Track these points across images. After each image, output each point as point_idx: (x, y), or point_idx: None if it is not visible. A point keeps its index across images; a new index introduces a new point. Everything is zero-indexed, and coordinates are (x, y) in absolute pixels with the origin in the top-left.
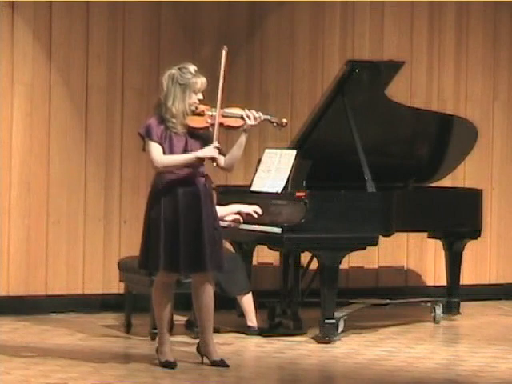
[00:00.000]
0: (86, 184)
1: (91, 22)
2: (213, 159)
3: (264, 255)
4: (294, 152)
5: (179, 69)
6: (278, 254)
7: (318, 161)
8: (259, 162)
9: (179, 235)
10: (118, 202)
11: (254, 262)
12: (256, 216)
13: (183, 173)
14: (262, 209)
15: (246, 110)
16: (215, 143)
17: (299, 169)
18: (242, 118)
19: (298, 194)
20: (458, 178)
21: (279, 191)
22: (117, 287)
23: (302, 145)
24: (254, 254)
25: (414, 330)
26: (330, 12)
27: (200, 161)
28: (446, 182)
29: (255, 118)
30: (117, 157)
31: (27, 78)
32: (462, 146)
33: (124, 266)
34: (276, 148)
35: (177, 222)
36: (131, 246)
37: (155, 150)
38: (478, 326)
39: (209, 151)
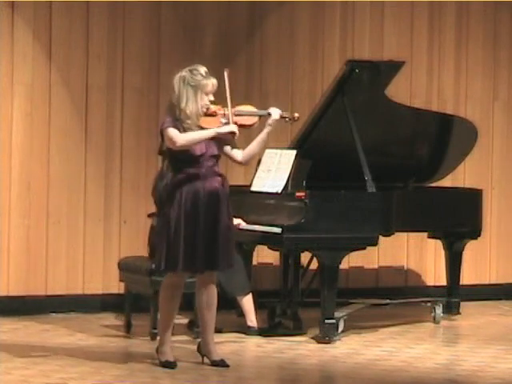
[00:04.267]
0: (86, 184)
1: (91, 22)
2: (233, 133)
3: (264, 255)
4: (294, 152)
5: (190, 71)
6: (278, 254)
7: (318, 161)
8: (259, 162)
9: (198, 234)
10: (118, 202)
11: (254, 262)
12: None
13: (200, 173)
14: (262, 209)
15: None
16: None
17: (299, 169)
18: (261, 115)
19: (298, 194)
20: (458, 178)
21: (279, 191)
22: (117, 287)
23: (302, 145)
24: (254, 254)
25: (414, 330)
26: (330, 12)
27: (218, 135)
28: (446, 182)
29: (279, 114)
30: (117, 157)
31: (27, 78)
32: (462, 146)
33: (124, 266)
34: (276, 148)
35: (196, 220)
36: (131, 246)
37: (173, 131)
38: (478, 326)
39: (229, 127)
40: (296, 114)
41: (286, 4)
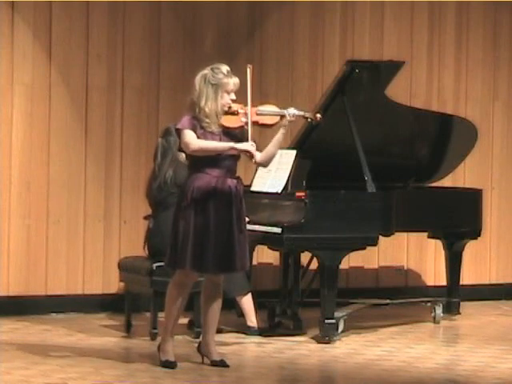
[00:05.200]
0: (86, 184)
1: (91, 21)
2: (249, 153)
3: (264, 255)
4: (294, 152)
5: (211, 69)
6: (278, 253)
7: (317, 161)
8: None
9: (209, 236)
10: (118, 202)
11: (254, 262)
12: None
13: (214, 173)
14: (262, 209)
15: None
16: (251, 142)
17: (299, 169)
18: (281, 115)
19: (298, 193)
20: (458, 178)
21: (279, 191)
22: (117, 287)
23: (301, 145)
24: (254, 253)
25: (414, 330)
26: (330, 12)
27: (233, 151)
28: (446, 182)
29: (293, 115)
30: (117, 157)
31: (27, 78)
32: (461, 146)
33: (124, 266)
34: None
35: (207, 222)
36: (131, 246)
37: (189, 135)
38: (478, 326)
39: (246, 145)
40: (318, 115)
41: (286, 4)
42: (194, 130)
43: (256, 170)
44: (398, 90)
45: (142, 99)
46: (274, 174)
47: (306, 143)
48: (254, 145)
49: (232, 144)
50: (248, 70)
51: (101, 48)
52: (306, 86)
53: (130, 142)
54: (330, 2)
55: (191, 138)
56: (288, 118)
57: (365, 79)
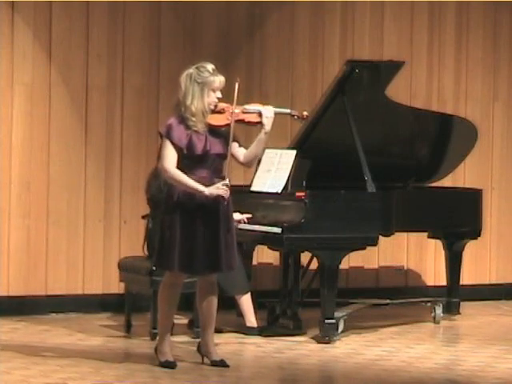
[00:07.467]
0: (86, 184)
1: (91, 21)
2: (222, 198)
3: (264, 255)
4: (294, 152)
5: (197, 68)
6: (278, 253)
7: (317, 161)
8: (259, 162)
9: (196, 236)
10: (118, 202)
11: (254, 262)
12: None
13: (202, 174)
14: (262, 209)
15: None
16: (226, 180)
17: (299, 169)
18: (259, 113)
19: (298, 193)
20: (458, 178)
21: (279, 191)
22: (117, 287)
23: (301, 145)
24: (254, 253)
25: (414, 330)
26: (330, 12)
27: (206, 197)
28: (446, 182)
29: (271, 112)
30: (117, 157)
31: (27, 78)
32: (461, 146)
33: (124, 266)
34: (276, 148)
35: (193, 222)
36: (131, 246)
37: (170, 154)
38: (478, 326)
39: (216, 191)
40: (305, 113)
41: (285, 4)
42: (180, 140)
43: (256, 170)
44: (398, 90)
45: (142, 99)
46: (273, 173)
47: (305, 143)
48: (225, 186)
49: (204, 190)
50: (236, 85)
51: (101, 48)
52: (305, 85)
53: (130, 142)
54: (330, 2)
55: (169, 162)
56: (264, 114)
57: (365, 79)
